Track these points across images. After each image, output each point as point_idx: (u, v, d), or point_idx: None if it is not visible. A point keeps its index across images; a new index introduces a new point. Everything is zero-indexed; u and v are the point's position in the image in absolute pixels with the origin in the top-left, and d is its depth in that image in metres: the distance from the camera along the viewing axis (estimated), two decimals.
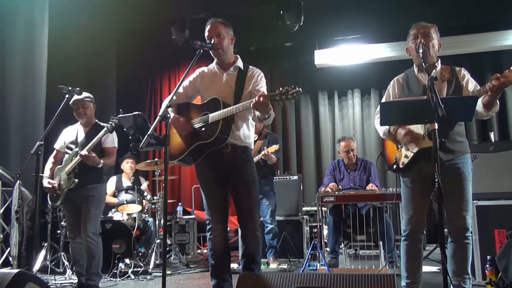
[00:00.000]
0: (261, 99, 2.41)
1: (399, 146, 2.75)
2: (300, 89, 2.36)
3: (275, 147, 4.64)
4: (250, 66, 2.87)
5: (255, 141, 4.86)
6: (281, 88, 2.39)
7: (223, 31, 2.77)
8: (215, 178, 2.76)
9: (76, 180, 3.60)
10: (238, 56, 2.89)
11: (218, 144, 2.63)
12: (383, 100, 2.88)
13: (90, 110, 3.82)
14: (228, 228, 2.87)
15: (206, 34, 2.79)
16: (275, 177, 5.06)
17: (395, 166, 2.73)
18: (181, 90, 2.90)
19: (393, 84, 2.86)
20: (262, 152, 4.58)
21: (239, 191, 2.73)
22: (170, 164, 3.21)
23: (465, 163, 2.62)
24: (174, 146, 2.83)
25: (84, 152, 3.52)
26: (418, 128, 2.63)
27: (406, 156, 2.67)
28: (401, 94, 2.78)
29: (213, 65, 2.90)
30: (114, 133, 3.81)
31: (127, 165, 5.81)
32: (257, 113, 2.58)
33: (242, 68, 2.83)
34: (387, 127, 2.74)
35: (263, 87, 2.78)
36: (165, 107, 2.55)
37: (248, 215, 2.71)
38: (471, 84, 2.63)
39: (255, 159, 4.60)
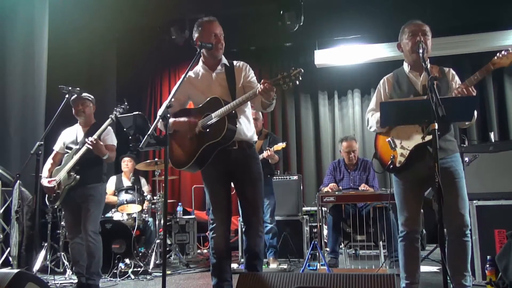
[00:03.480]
0: (266, 85, 2.42)
1: (393, 145, 2.72)
2: (302, 69, 2.38)
3: (281, 145, 4.61)
4: (234, 61, 2.87)
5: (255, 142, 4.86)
6: (284, 72, 2.40)
7: (221, 30, 2.80)
8: (220, 178, 2.77)
9: (78, 176, 3.57)
10: None
11: (228, 140, 2.63)
12: (374, 100, 2.86)
13: (89, 109, 3.81)
14: None
15: (208, 31, 2.75)
16: (274, 177, 5.07)
17: (391, 166, 2.72)
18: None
19: (383, 83, 2.84)
20: (265, 151, 4.57)
21: (245, 187, 2.74)
22: (170, 164, 3.20)
23: (457, 161, 2.63)
24: (180, 153, 2.77)
25: (92, 138, 3.48)
26: (416, 127, 2.61)
27: (402, 155, 2.66)
28: (392, 93, 2.76)
29: (199, 68, 2.88)
30: (113, 132, 3.82)
31: (123, 164, 5.85)
32: (262, 99, 2.58)
33: (228, 64, 2.84)
34: (377, 117, 2.70)
35: (253, 77, 2.81)
36: (165, 107, 2.53)
37: (253, 210, 2.72)
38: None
39: None
